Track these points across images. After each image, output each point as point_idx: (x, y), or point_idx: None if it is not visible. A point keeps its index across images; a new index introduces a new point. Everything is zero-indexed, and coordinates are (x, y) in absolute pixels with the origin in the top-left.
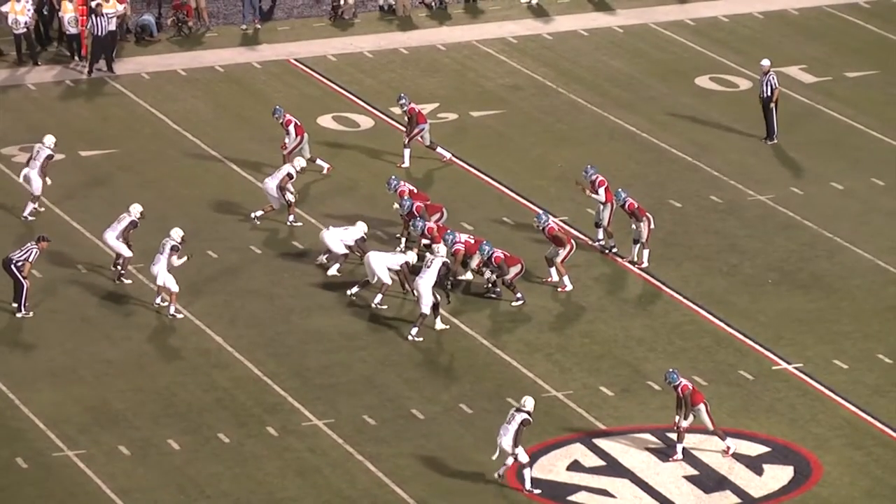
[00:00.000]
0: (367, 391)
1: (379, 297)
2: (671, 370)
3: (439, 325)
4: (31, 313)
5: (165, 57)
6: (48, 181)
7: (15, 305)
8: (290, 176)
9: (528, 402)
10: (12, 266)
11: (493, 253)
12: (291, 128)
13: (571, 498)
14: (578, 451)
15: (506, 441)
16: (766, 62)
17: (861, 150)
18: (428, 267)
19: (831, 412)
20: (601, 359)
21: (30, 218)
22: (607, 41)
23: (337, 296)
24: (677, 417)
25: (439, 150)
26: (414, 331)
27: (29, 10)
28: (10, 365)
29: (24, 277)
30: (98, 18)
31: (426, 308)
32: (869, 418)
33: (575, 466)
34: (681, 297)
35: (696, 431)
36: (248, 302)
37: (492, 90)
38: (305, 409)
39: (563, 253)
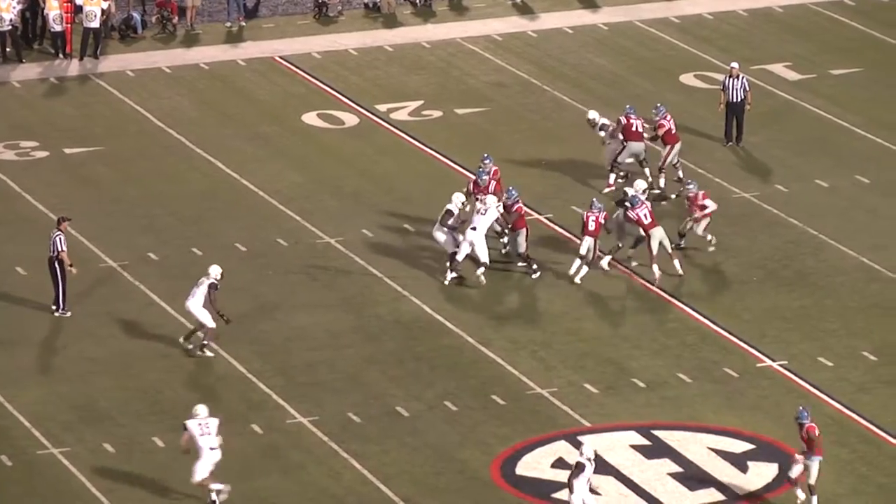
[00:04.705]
0: (352, 389)
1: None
2: (802, 408)
3: (481, 273)
4: (68, 313)
5: (150, 54)
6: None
7: (54, 308)
8: None
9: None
10: (56, 263)
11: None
12: None
13: (556, 495)
14: (563, 449)
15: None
16: (735, 64)
17: (845, 148)
18: (483, 214)
19: (816, 409)
20: (586, 356)
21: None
22: (592, 38)
23: (321, 293)
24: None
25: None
26: (480, 270)
27: (15, 7)
28: None
29: (70, 266)
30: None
31: (484, 257)
32: (854, 415)
33: (560, 464)
34: (666, 295)
35: (680, 429)
36: (232, 299)
37: (476, 88)
38: (290, 407)
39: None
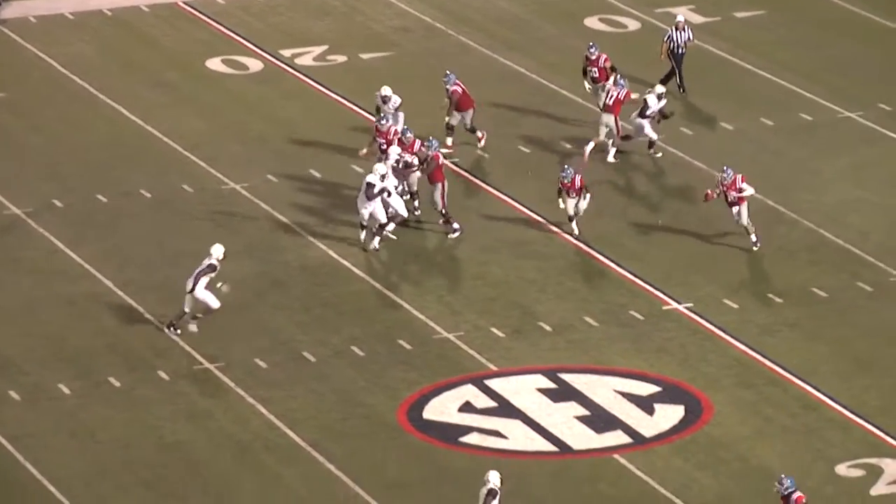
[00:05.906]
0: (259, 334)
1: (391, 225)
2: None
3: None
4: None
5: (52, 1)
6: None
7: None
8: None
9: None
10: None
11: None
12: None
13: (463, 439)
14: (470, 393)
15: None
16: (681, 17)
17: (750, 91)
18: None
19: (721, 352)
20: (493, 301)
21: None
22: None
23: (227, 239)
24: None
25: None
26: (375, 241)
27: None
28: None
29: None
30: None
31: (383, 217)
32: (759, 357)
33: (467, 408)
34: (572, 239)
35: (586, 372)
36: (137, 246)
37: (381, 32)
38: (196, 353)
39: None
